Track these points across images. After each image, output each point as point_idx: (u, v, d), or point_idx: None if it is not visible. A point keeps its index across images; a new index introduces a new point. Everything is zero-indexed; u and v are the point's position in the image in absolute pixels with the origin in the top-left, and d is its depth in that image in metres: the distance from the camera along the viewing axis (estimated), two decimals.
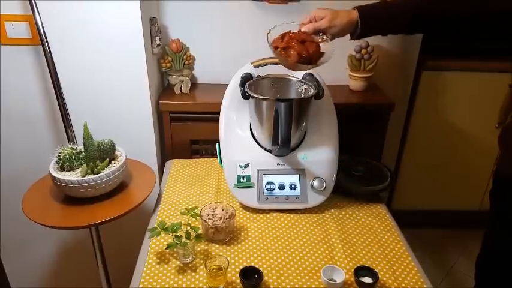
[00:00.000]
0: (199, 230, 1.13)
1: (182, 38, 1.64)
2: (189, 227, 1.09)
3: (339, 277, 0.98)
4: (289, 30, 1.09)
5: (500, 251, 1.18)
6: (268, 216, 1.25)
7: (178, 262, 1.07)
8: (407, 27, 1.11)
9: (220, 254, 1.09)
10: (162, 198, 1.33)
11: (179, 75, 1.65)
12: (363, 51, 1.66)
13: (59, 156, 1.21)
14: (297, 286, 1.00)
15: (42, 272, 1.79)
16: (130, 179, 1.32)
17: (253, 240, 1.15)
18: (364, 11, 1.08)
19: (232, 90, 1.30)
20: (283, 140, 1.14)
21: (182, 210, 1.19)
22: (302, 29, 1.08)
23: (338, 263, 1.07)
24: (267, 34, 1.10)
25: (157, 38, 1.53)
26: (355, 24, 1.08)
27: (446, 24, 1.07)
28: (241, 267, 1.02)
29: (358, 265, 1.04)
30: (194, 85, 1.74)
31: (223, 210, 1.16)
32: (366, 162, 1.46)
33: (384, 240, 1.17)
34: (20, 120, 1.50)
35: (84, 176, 1.17)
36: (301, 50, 1.04)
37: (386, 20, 1.09)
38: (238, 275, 0.99)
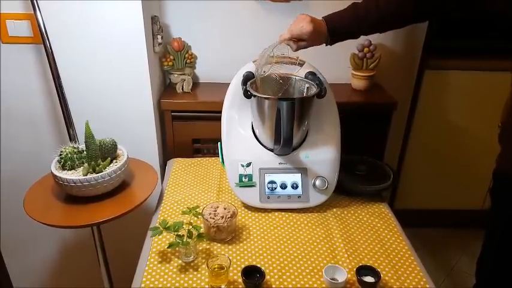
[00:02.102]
0: (201, 229, 1.12)
1: (184, 36, 1.64)
2: (190, 226, 1.09)
3: (341, 276, 0.98)
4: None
5: (501, 249, 1.17)
6: (270, 215, 1.25)
7: (180, 261, 1.07)
8: (376, 26, 1.17)
9: (222, 253, 1.09)
10: (164, 197, 1.33)
11: (181, 74, 1.65)
12: (366, 49, 1.66)
13: (60, 155, 1.21)
14: (298, 285, 1.00)
15: (44, 271, 1.80)
16: (132, 178, 1.32)
17: (255, 240, 1.15)
18: (331, 21, 1.14)
19: (234, 89, 1.29)
20: (285, 139, 1.14)
21: (184, 209, 1.19)
22: (285, 42, 1.17)
23: (340, 263, 1.07)
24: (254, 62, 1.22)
25: (159, 37, 1.53)
26: (326, 35, 1.15)
27: (407, 20, 1.16)
28: (243, 266, 1.02)
29: (360, 264, 1.04)
30: (196, 84, 1.74)
31: (225, 209, 1.16)
32: (368, 161, 1.46)
33: (386, 239, 1.17)
34: (21, 119, 1.50)
35: (86, 175, 1.17)
36: None
37: (354, 23, 1.14)
38: (240, 274, 0.99)
